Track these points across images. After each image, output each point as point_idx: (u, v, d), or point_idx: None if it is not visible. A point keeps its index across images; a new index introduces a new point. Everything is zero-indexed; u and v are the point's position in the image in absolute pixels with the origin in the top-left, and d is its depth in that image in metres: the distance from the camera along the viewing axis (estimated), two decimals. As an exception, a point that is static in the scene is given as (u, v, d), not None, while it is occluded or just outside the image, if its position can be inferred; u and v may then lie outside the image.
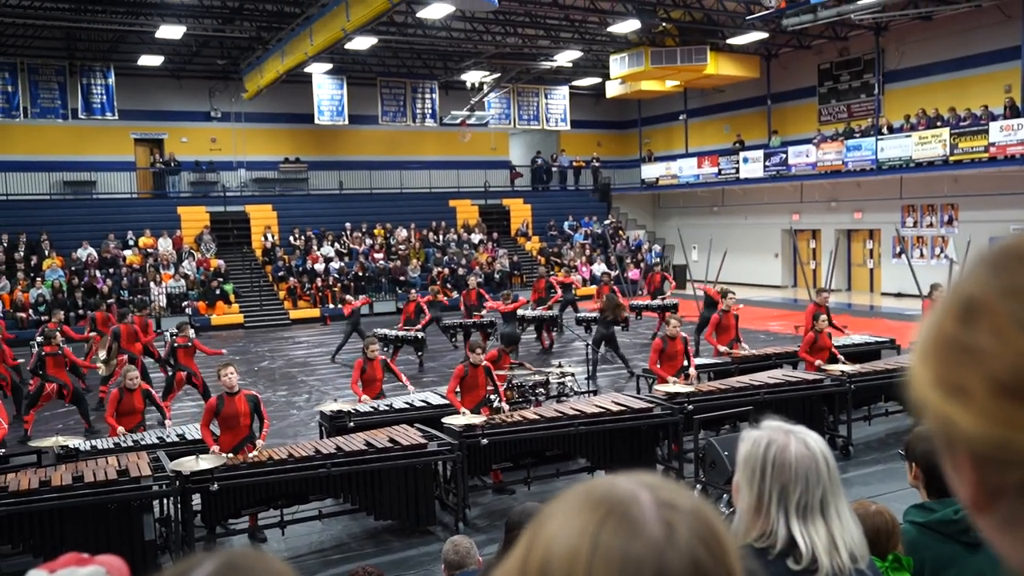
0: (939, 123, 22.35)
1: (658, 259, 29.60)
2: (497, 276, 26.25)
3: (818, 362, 10.33)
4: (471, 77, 28.41)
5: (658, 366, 10.01)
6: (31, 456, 8.25)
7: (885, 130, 23.62)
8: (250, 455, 7.38)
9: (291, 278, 25.06)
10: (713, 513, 0.84)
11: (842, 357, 10.73)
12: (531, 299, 18.48)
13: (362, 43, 22.47)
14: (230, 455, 7.39)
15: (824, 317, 10.89)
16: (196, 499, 6.99)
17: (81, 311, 21.33)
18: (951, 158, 21.40)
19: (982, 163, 20.82)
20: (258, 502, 7.32)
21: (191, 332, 12.73)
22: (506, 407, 9.11)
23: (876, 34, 24.47)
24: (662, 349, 10.03)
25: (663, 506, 0.79)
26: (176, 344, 12.29)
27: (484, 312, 17.53)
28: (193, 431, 8.64)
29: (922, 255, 23.59)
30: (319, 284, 24.95)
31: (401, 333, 16.01)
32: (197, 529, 7.10)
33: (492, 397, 9.12)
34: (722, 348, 11.66)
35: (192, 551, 6.81)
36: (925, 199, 23.63)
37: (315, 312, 24.36)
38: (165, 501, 7.11)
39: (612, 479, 0.84)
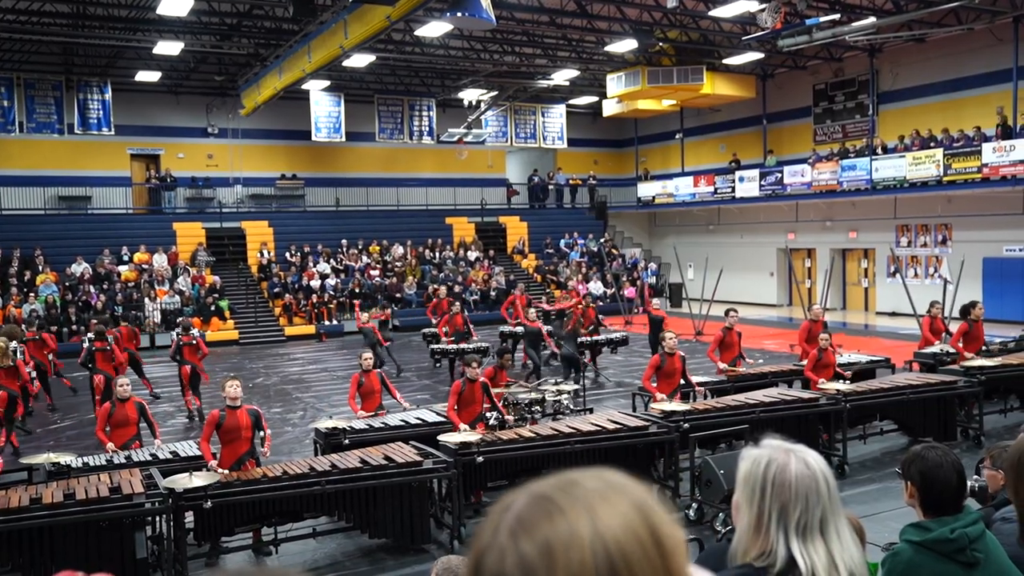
0: (932, 144, 22.48)
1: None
2: (493, 293, 26.26)
3: (821, 381, 10.35)
4: (468, 95, 28.51)
5: (653, 383, 9.96)
6: (22, 473, 8.18)
7: (879, 150, 23.75)
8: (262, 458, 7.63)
9: (287, 295, 25.03)
10: (567, 551, 0.92)
11: (847, 374, 10.76)
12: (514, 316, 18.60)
13: (360, 60, 22.56)
14: (225, 472, 7.39)
15: (825, 336, 10.91)
16: (189, 517, 6.93)
17: (75, 327, 21.28)
18: (944, 178, 21.52)
19: (975, 183, 20.93)
20: (252, 520, 7.26)
21: (195, 332, 14.30)
22: (510, 419, 9.18)
23: (870, 55, 24.67)
24: (659, 366, 9.98)
25: (516, 521, 0.96)
26: (182, 343, 13.68)
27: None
28: (186, 447, 8.59)
29: (916, 275, 23.66)
30: (315, 301, 24.91)
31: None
32: (190, 547, 7.04)
33: (489, 414, 9.11)
34: (722, 365, 11.68)
35: (184, 570, 6.76)
36: (919, 219, 23.73)
37: (310, 329, 24.30)
38: (158, 519, 7.04)
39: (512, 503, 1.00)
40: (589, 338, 16.45)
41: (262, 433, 8.00)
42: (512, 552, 0.94)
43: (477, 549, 0.98)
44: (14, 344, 13.44)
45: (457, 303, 17.51)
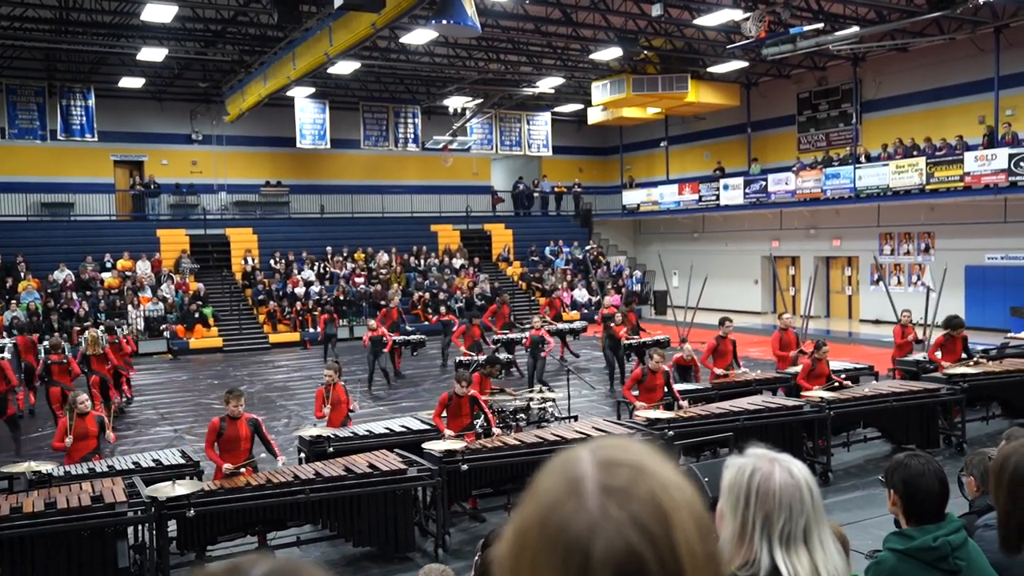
0: (915, 152, 22.68)
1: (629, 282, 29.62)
2: (479, 301, 26.23)
3: (816, 387, 10.39)
4: (453, 102, 28.54)
5: (634, 393, 9.96)
6: (2, 482, 8.09)
7: (863, 159, 23.93)
8: (279, 462, 8.04)
9: (271, 302, 24.92)
10: (671, 500, 0.89)
11: (847, 382, 10.77)
12: (497, 324, 18.54)
13: (345, 68, 22.54)
14: (241, 469, 7.66)
15: (825, 348, 10.86)
16: (172, 525, 6.88)
17: (57, 334, 21.06)
18: (927, 187, 21.69)
19: (957, 192, 21.11)
20: (236, 528, 7.22)
21: (120, 332, 16.35)
22: (497, 431, 9.16)
23: (854, 64, 24.86)
24: (640, 379, 9.98)
25: (606, 492, 0.88)
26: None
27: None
28: (169, 456, 8.54)
29: (899, 282, 23.83)
30: (299, 308, 24.81)
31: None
32: (173, 556, 6.98)
33: (476, 420, 9.09)
34: (718, 371, 11.71)
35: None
36: (902, 227, 23.91)
37: (295, 336, 24.21)
38: (140, 528, 6.99)
39: (577, 457, 0.94)
40: (630, 341, 16.40)
41: (265, 442, 8.22)
42: (623, 513, 0.87)
43: (557, 523, 0.87)
44: (101, 332, 14.71)
45: (473, 316, 17.48)
